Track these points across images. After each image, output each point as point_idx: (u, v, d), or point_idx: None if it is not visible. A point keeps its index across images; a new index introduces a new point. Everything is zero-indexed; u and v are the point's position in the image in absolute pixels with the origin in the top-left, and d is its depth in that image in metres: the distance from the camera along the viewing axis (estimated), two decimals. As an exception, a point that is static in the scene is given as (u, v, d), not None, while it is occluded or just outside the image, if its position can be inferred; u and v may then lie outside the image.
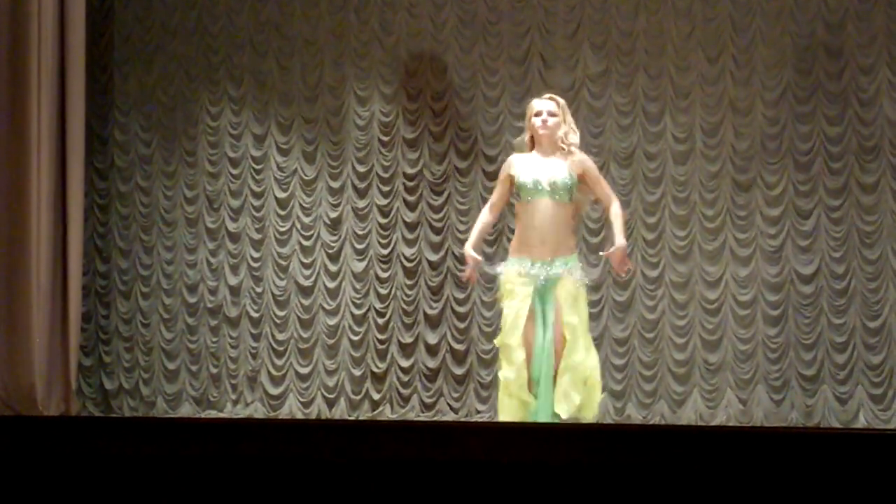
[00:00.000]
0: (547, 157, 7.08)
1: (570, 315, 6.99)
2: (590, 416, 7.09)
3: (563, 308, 6.98)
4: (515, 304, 6.99)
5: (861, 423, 9.04)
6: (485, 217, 7.35)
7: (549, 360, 6.96)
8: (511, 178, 7.13)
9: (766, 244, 9.33)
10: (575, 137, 7.15)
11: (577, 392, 6.96)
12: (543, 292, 7.00)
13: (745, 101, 9.40)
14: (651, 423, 9.27)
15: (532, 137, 7.16)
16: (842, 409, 9.12)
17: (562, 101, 7.23)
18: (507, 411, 7.08)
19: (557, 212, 7.00)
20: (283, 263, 10.01)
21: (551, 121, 7.07)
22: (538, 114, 7.10)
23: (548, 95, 7.27)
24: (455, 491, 4.04)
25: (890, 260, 9.15)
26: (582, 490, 3.97)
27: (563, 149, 7.10)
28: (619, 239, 7.09)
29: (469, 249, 7.21)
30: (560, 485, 3.99)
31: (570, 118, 7.19)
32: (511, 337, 6.98)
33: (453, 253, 9.75)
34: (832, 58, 9.29)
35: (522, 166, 7.09)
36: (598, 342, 8.91)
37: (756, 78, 9.40)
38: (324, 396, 9.86)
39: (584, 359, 7.03)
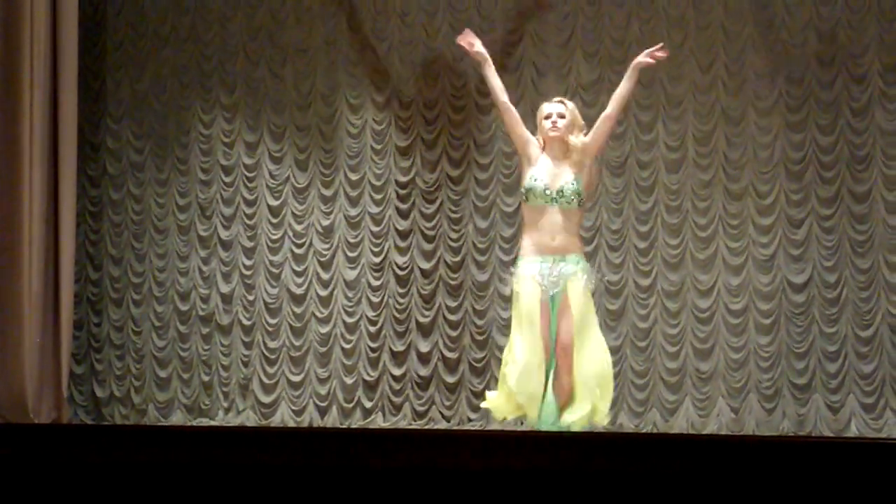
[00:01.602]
0: (557, 162, 7.08)
1: (581, 312, 6.93)
2: (603, 421, 7.01)
3: (574, 305, 6.92)
4: (525, 312, 6.93)
5: (853, 432, 9.05)
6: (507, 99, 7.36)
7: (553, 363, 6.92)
8: (525, 144, 7.14)
9: (759, 253, 9.34)
10: (584, 139, 7.14)
11: (587, 400, 6.91)
12: (555, 294, 6.96)
13: (738, 109, 9.42)
14: (643, 431, 9.27)
15: (543, 140, 7.18)
16: (833, 418, 9.12)
17: (570, 104, 7.27)
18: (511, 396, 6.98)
19: (566, 218, 7.01)
20: (275, 271, 10.00)
21: (560, 122, 7.10)
22: (548, 116, 7.14)
23: (557, 99, 7.31)
24: (447, 499, 4.03)
25: (882, 269, 9.16)
26: (574, 498, 3.96)
27: (571, 151, 7.08)
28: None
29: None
30: (552, 493, 3.99)
31: (579, 121, 7.20)
32: (533, 356, 6.88)
33: (445, 261, 9.75)
34: (824, 67, 9.31)
35: (537, 165, 7.09)
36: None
37: (748, 87, 9.42)
38: (316, 405, 9.84)
39: (601, 357, 6.98)
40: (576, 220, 7.09)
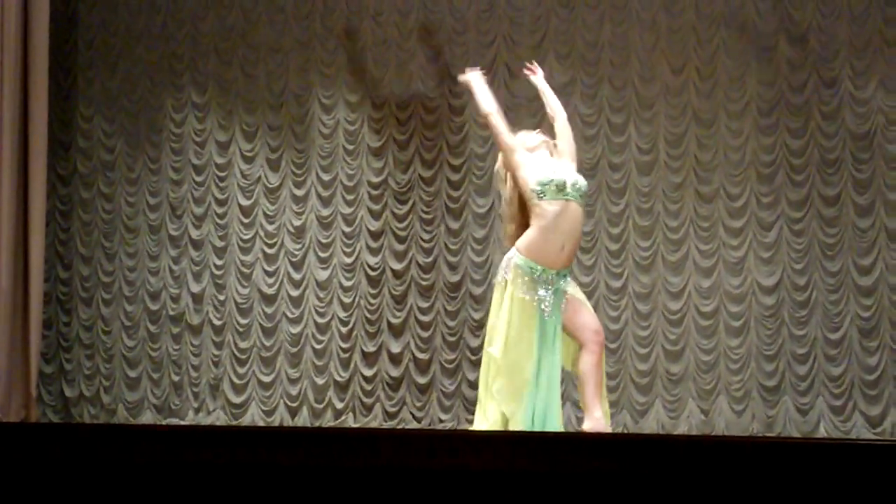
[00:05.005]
0: (552, 158, 6.66)
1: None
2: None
3: (581, 300, 6.63)
4: (520, 324, 6.37)
5: (821, 433, 9.09)
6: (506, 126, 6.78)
7: (554, 386, 6.43)
8: (517, 146, 6.61)
9: (729, 255, 9.37)
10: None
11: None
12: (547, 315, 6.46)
13: (709, 112, 9.45)
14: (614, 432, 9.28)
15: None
16: (802, 419, 9.17)
17: None
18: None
19: (581, 217, 6.55)
20: (246, 271, 9.98)
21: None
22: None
23: (537, 131, 6.82)
24: (417, 499, 4.03)
25: (851, 272, 9.20)
26: (546, 499, 3.97)
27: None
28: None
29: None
30: (522, 493, 4.00)
31: None
32: (525, 369, 6.33)
33: (417, 262, 9.75)
34: (795, 71, 9.36)
35: (542, 160, 6.58)
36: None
37: (720, 90, 9.45)
38: (286, 405, 9.83)
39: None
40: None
